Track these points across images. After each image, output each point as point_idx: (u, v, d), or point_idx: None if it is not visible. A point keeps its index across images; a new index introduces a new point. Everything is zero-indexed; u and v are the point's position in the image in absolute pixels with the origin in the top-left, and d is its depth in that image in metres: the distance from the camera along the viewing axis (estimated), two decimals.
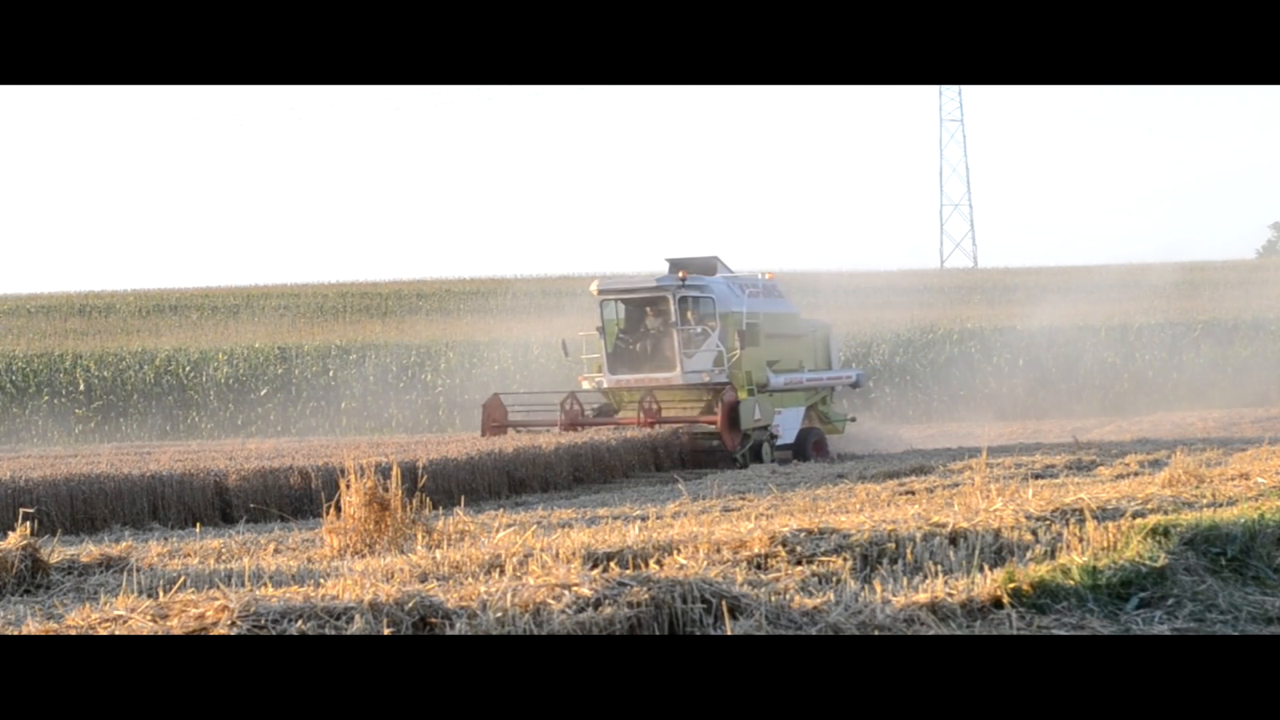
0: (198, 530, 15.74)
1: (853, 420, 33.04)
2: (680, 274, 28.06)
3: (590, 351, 29.33)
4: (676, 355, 27.93)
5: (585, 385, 29.01)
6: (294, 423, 48.66)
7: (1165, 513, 9.45)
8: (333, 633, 6.11)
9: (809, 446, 28.88)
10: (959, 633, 6.83)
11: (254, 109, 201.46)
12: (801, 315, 31.92)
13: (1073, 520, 9.05)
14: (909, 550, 8.33)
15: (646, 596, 6.61)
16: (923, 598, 7.06)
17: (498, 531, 10.89)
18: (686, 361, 27.93)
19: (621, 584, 6.71)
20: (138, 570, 9.35)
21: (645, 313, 28.64)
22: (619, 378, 28.39)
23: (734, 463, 26.37)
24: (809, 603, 6.95)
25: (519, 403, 30.63)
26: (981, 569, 7.86)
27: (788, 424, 28.79)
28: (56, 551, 9.75)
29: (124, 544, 10.55)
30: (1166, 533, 8.25)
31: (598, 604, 6.53)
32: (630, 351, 28.60)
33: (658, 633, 6.56)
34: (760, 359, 28.60)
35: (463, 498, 17.91)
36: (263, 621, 6.09)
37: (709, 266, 29.43)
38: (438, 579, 8.14)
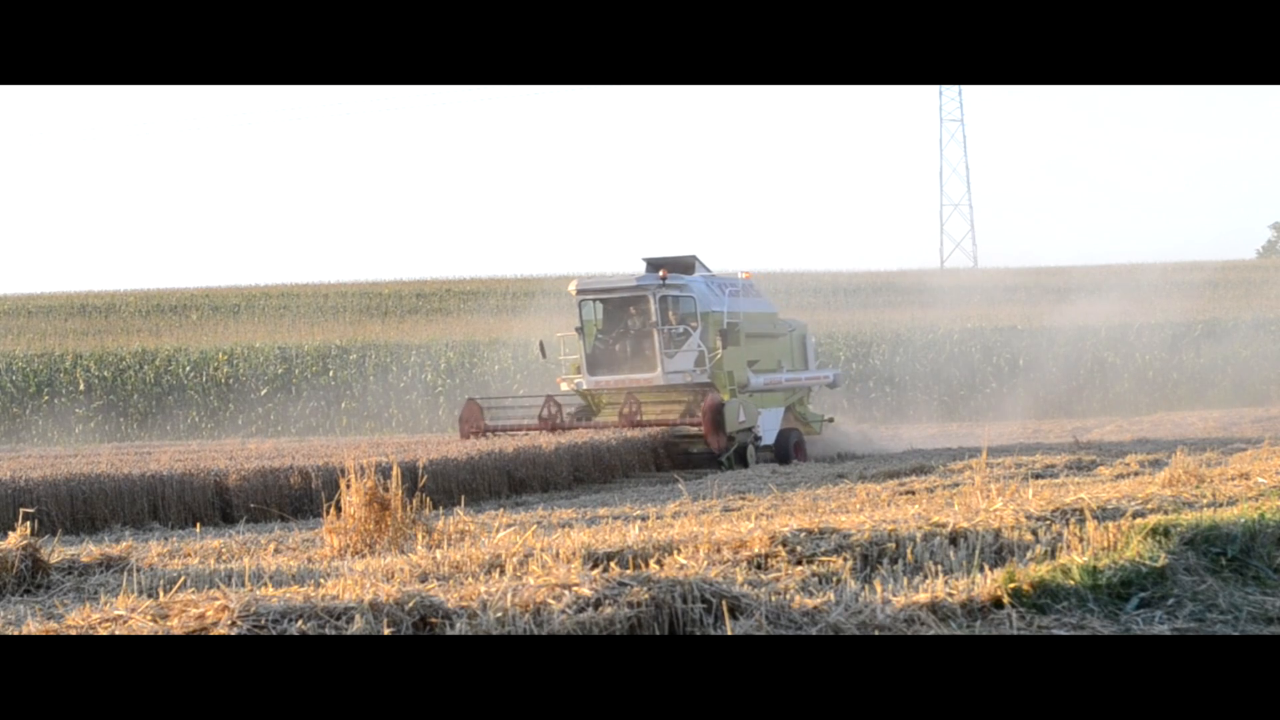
0: (198, 530, 15.74)
1: (830, 421, 32.50)
2: (661, 273, 27.58)
3: (569, 352, 28.83)
4: (657, 355, 27.44)
5: (564, 387, 28.51)
6: (294, 423, 48.68)
7: (1165, 513, 9.45)
8: (333, 633, 6.11)
9: (790, 448, 28.45)
10: (959, 633, 6.83)
11: (254, 109, 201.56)
12: (778, 315, 31.60)
13: (1073, 520, 9.05)
14: (909, 550, 8.33)
15: (646, 596, 6.61)
16: (923, 598, 7.06)
17: (498, 531, 10.89)
18: (667, 362, 27.45)
19: (622, 584, 6.71)
20: (138, 570, 9.35)
21: (625, 312, 28.10)
22: (598, 379, 27.90)
23: (718, 465, 26.01)
24: (809, 603, 6.95)
25: (496, 407, 30.35)
26: (982, 569, 7.86)
27: (768, 425, 28.29)
28: (56, 551, 9.75)
29: (124, 544, 10.54)
30: (1167, 533, 8.25)
31: (598, 604, 6.53)
32: (610, 352, 28.07)
33: (658, 633, 6.56)
34: (741, 359, 28.18)
35: (463, 498, 17.91)
36: (263, 621, 6.09)
37: (687, 266, 28.99)
38: (438, 579, 8.14)
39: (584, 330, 28.18)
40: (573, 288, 28.47)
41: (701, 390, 27.19)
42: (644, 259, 29.01)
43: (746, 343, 28.59)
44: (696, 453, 26.47)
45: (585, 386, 28.25)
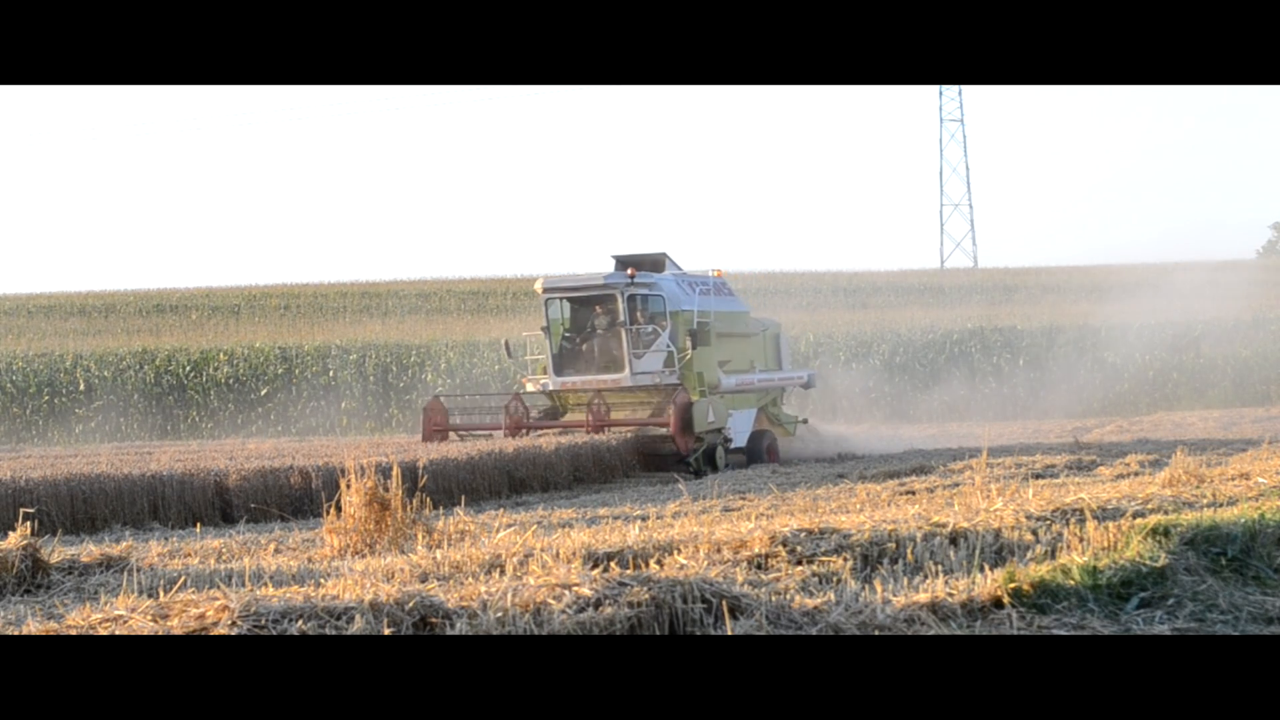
0: (198, 530, 15.75)
1: (804, 422, 31.70)
2: (629, 271, 26.96)
3: (535, 352, 28.19)
4: (625, 356, 26.86)
5: (530, 387, 27.89)
6: (294, 423, 48.69)
7: (1165, 513, 9.45)
8: (333, 633, 6.11)
9: (762, 450, 27.93)
10: (959, 633, 6.83)
11: (254, 109, 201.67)
12: (751, 314, 30.97)
13: (1073, 520, 9.05)
14: (909, 550, 8.33)
15: (647, 596, 6.61)
16: (923, 598, 7.06)
17: (498, 531, 10.89)
18: (636, 362, 26.87)
19: (622, 584, 6.71)
20: (138, 570, 9.35)
21: (593, 311, 27.49)
22: (565, 379, 27.27)
23: (686, 467, 25.38)
24: (809, 603, 6.95)
25: (464, 405, 30.01)
26: (982, 569, 7.86)
27: (739, 426, 27.71)
28: (57, 551, 9.75)
29: (124, 544, 10.54)
30: (1167, 533, 8.25)
31: (598, 604, 6.53)
32: (577, 352, 27.48)
33: (658, 633, 6.56)
34: (711, 359, 27.57)
35: (463, 498, 17.91)
36: (263, 621, 6.09)
37: (657, 263, 28.30)
38: (438, 579, 8.14)
39: (550, 330, 27.49)
40: (539, 286, 27.74)
41: (670, 391, 26.61)
42: (613, 256, 28.47)
43: (717, 342, 27.94)
44: (665, 454, 25.85)
45: (552, 387, 27.67)
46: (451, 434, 27.17)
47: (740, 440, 27.70)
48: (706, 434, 26.26)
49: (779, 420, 30.25)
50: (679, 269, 28.88)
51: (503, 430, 26.63)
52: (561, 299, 27.73)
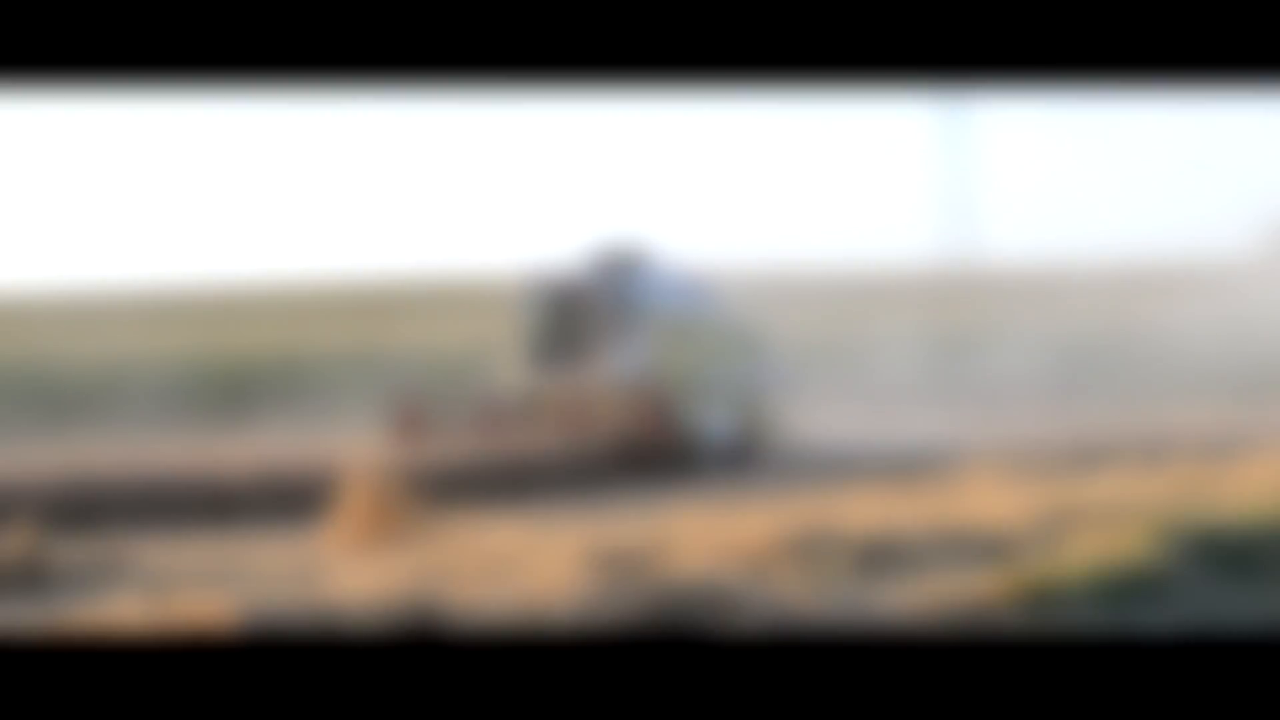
0: (198, 531, 15.72)
1: (785, 426, 31.57)
2: (610, 266, 26.46)
3: (510, 349, 27.44)
4: (602, 354, 26.52)
5: (505, 386, 27.32)
6: (294, 423, 48.67)
7: (1166, 513, 9.44)
8: (333, 633, 6.11)
9: (744, 452, 27.48)
10: (959, 633, 6.83)
11: (253, 109, 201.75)
12: (733, 313, 30.57)
13: (1074, 521, 9.05)
14: (910, 550, 8.32)
15: (647, 597, 6.61)
16: (923, 598, 7.06)
17: (498, 532, 10.88)
18: (614, 360, 26.49)
19: (622, 584, 6.71)
20: (138, 571, 9.35)
21: (571, 308, 26.88)
22: (540, 378, 26.74)
23: (670, 466, 25.27)
24: (810, 603, 6.95)
25: (438, 404, 29.51)
26: (982, 569, 7.86)
27: (720, 428, 27.73)
28: (57, 552, 9.74)
29: (124, 544, 10.54)
30: (1168, 533, 8.26)
31: (598, 604, 6.53)
32: (554, 349, 27.23)
33: (658, 633, 6.55)
34: (693, 358, 27.18)
35: (463, 498, 17.86)
36: (263, 621, 6.08)
37: (637, 259, 28.38)
38: (438, 579, 8.14)
39: (525, 326, 27.37)
40: (515, 280, 27.44)
41: (650, 389, 26.44)
42: (592, 252, 28.13)
43: (699, 342, 27.79)
44: (645, 453, 25.69)
45: (527, 386, 27.34)
46: (424, 434, 26.76)
47: (722, 442, 27.40)
48: (689, 434, 25.96)
49: (760, 423, 29.95)
50: (659, 265, 28.60)
51: (476, 429, 26.29)
52: (538, 294, 27.38)
